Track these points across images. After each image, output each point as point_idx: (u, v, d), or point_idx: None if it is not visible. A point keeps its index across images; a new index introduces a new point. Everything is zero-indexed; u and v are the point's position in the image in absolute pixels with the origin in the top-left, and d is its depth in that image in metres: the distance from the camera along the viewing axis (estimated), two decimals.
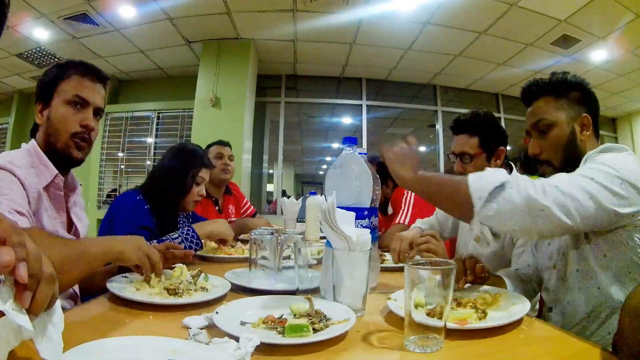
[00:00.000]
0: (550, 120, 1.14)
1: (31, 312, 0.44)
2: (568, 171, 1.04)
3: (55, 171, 1.08)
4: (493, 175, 0.94)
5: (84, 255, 0.87)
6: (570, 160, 1.12)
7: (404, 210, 2.30)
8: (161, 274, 1.02)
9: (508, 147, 1.71)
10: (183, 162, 1.72)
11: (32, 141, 1.12)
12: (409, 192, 2.36)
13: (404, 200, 2.34)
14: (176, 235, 1.47)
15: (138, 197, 1.61)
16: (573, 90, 1.16)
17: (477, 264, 1.05)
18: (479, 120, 1.72)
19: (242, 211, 2.82)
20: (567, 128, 1.14)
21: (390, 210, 2.42)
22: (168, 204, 1.67)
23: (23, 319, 0.42)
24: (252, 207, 2.91)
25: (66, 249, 0.83)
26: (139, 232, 1.41)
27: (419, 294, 0.68)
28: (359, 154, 1.14)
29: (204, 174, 1.75)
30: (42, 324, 0.47)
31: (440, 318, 0.71)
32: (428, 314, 0.84)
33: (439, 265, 0.70)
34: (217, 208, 2.53)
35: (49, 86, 1.13)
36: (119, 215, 1.57)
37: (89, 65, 1.18)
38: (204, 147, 2.65)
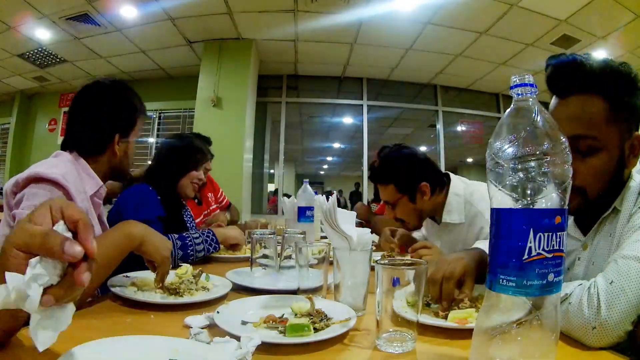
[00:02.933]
0: (600, 143, 0.80)
1: (61, 297, 0.45)
2: (602, 203, 0.84)
3: (100, 183, 1.17)
4: None
5: (103, 262, 0.85)
6: (608, 191, 0.83)
7: None
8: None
9: None
10: (195, 149, 1.83)
11: (75, 154, 1.16)
12: None
13: None
14: (197, 235, 1.48)
15: (150, 188, 1.60)
16: (631, 94, 0.81)
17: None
18: (388, 166, 1.62)
19: (218, 201, 2.89)
20: (616, 152, 0.82)
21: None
22: (172, 185, 1.71)
23: (34, 303, 0.44)
24: (226, 199, 3.01)
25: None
26: (152, 225, 1.38)
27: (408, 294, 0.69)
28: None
29: (207, 163, 1.89)
30: (48, 312, 0.47)
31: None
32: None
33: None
34: (196, 201, 2.56)
35: (130, 123, 1.24)
36: (128, 208, 1.51)
37: (144, 106, 1.31)
38: (211, 149, 2.69)
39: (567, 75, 0.83)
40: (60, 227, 0.47)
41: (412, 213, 1.63)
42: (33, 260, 0.44)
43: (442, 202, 1.62)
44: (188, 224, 1.87)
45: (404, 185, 1.59)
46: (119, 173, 1.27)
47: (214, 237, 1.51)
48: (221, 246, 1.66)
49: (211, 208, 2.70)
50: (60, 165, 1.06)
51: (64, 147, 1.19)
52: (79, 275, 0.45)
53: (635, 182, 0.83)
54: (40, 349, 0.46)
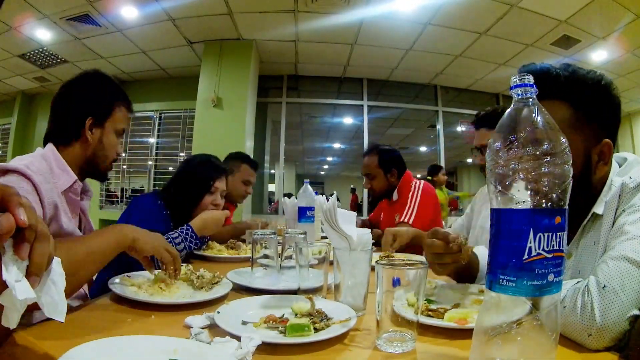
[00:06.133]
0: None
1: (31, 273, 0.46)
2: (578, 209, 0.82)
3: (75, 177, 1.11)
4: None
5: (90, 254, 0.86)
6: (575, 197, 0.81)
7: (409, 208, 2.27)
8: (179, 273, 1.02)
9: None
10: (201, 172, 1.73)
11: (50, 146, 1.13)
12: (417, 187, 2.36)
13: (410, 195, 2.32)
14: (176, 234, 1.47)
15: (159, 202, 1.61)
16: (598, 101, 0.82)
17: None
18: (500, 115, 1.74)
19: None
20: (581, 160, 0.82)
21: (395, 197, 2.41)
22: (185, 213, 1.66)
23: (24, 290, 0.44)
24: None
25: (71, 250, 0.81)
26: None
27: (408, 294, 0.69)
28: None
29: (219, 183, 1.74)
30: (43, 286, 0.49)
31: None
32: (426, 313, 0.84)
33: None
34: None
35: (104, 108, 1.20)
36: (136, 215, 1.54)
37: (128, 99, 1.28)
38: (211, 150, 2.70)
39: (535, 82, 0.84)
40: None
41: None
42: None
43: None
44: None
45: None
46: (95, 167, 1.21)
47: (192, 234, 1.50)
48: (213, 242, 1.67)
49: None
50: (27, 157, 1.05)
51: (44, 141, 1.17)
52: (18, 251, 0.45)
53: (616, 186, 0.82)
54: (63, 319, 0.51)
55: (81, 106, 1.17)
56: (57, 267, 0.52)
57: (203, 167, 1.76)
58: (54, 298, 0.50)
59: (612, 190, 0.82)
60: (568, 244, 0.89)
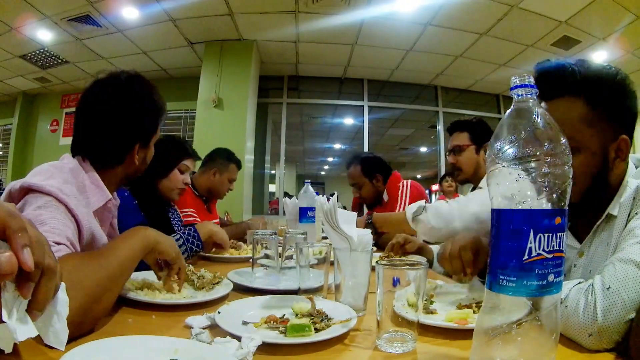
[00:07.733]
0: (578, 144, 0.80)
1: (33, 309, 0.43)
2: (593, 208, 0.84)
3: (109, 196, 1.04)
4: None
5: (122, 265, 0.79)
6: (593, 194, 0.84)
7: (400, 204, 2.38)
8: (182, 283, 0.96)
9: None
10: (166, 150, 1.72)
11: (81, 161, 1.04)
12: (405, 185, 2.48)
13: (400, 193, 2.44)
14: (178, 236, 1.45)
15: (126, 194, 1.55)
16: (614, 97, 0.83)
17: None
18: (470, 120, 2.07)
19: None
20: (598, 156, 0.83)
21: (386, 197, 2.51)
22: (150, 190, 1.66)
23: (26, 331, 0.42)
24: None
25: (103, 269, 0.73)
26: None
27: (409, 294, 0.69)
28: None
29: (189, 162, 1.80)
30: (46, 317, 0.47)
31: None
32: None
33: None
34: (206, 206, 2.62)
35: (151, 128, 1.12)
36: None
37: (165, 106, 1.21)
38: (210, 147, 2.73)
39: (551, 79, 0.85)
40: None
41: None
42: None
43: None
44: (174, 225, 1.86)
45: (476, 136, 1.99)
46: (133, 179, 1.17)
47: (195, 234, 1.46)
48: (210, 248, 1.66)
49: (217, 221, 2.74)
50: (57, 175, 0.93)
51: (74, 151, 1.06)
52: (21, 290, 0.41)
53: (631, 188, 0.82)
54: (64, 348, 0.49)
55: (131, 133, 1.06)
56: (62, 295, 0.49)
57: (166, 145, 1.72)
58: (55, 327, 0.48)
59: (626, 192, 0.82)
60: (580, 243, 0.90)
